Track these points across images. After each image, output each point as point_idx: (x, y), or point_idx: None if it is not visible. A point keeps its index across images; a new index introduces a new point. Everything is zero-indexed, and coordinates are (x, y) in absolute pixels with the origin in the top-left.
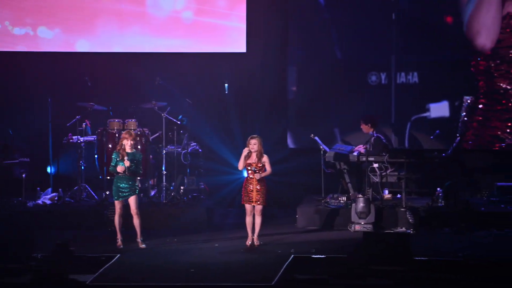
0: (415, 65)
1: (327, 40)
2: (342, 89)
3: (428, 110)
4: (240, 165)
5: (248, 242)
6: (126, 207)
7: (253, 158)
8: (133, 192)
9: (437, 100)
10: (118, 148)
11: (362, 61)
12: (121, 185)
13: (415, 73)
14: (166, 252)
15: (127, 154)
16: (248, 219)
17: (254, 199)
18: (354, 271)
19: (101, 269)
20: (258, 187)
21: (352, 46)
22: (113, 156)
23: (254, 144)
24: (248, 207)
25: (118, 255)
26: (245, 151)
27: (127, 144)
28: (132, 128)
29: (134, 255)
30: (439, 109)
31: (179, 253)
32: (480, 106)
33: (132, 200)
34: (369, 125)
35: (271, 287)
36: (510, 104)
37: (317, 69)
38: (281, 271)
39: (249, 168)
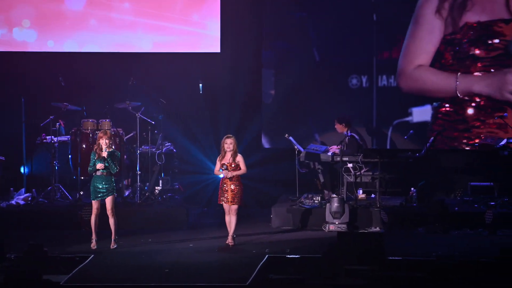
0: (397, 68)
1: (305, 41)
2: (321, 93)
3: (410, 114)
4: (216, 170)
5: (228, 242)
6: (102, 207)
7: (228, 157)
8: (111, 192)
9: (420, 103)
10: (95, 147)
11: (342, 64)
12: (98, 185)
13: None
14: (141, 252)
15: (108, 152)
16: (227, 218)
17: (229, 199)
18: (328, 270)
19: (75, 270)
20: (232, 187)
21: (331, 47)
22: (91, 157)
23: (230, 143)
24: (225, 206)
25: (92, 255)
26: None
27: (103, 143)
28: (106, 127)
29: (109, 255)
30: (422, 113)
31: (154, 253)
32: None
33: (108, 200)
34: (343, 124)
35: (246, 287)
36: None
37: (293, 72)
38: (256, 271)
39: (223, 167)
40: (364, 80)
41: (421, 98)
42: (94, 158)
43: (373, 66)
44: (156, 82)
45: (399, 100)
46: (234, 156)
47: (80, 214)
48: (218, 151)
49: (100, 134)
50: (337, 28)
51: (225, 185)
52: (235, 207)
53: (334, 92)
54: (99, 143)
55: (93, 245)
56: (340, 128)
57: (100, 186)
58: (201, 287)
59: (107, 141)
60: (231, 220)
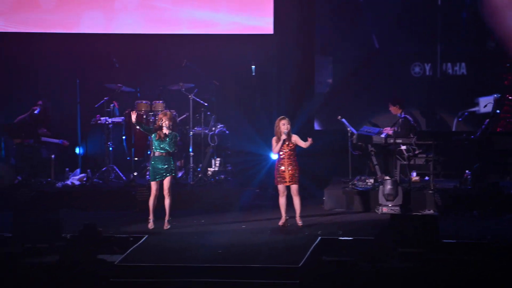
0: (463, 56)
1: (362, 26)
2: (380, 81)
3: (477, 104)
4: (276, 149)
5: (280, 222)
6: (160, 188)
7: (281, 141)
8: (169, 172)
9: (487, 93)
10: (156, 127)
11: (404, 52)
12: (158, 166)
13: (463, 64)
14: (194, 233)
15: (164, 134)
16: (282, 200)
17: (287, 179)
18: (381, 253)
19: (129, 250)
20: (290, 167)
21: (392, 34)
22: (152, 136)
23: (287, 123)
24: (281, 187)
25: (146, 236)
26: (280, 138)
27: (164, 124)
28: (160, 109)
29: (162, 236)
30: (489, 103)
31: (206, 234)
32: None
33: (166, 181)
34: (397, 106)
35: (298, 268)
36: None
37: (349, 58)
38: (308, 253)
39: (284, 133)
40: (427, 68)
41: (488, 87)
42: (154, 138)
43: (437, 54)
44: (209, 64)
45: (464, 89)
46: (289, 137)
47: (134, 194)
48: (270, 132)
49: (160, 115)
50: (397, 13)
51: (282, 166)
52: (295, 186)
53: (393, 80)
54: (160, 124)
55: (151, 225)
56: (394, 110)
57: (160, 167)
58: (254, 269)
59: (167, 122)
60: (295, 201)
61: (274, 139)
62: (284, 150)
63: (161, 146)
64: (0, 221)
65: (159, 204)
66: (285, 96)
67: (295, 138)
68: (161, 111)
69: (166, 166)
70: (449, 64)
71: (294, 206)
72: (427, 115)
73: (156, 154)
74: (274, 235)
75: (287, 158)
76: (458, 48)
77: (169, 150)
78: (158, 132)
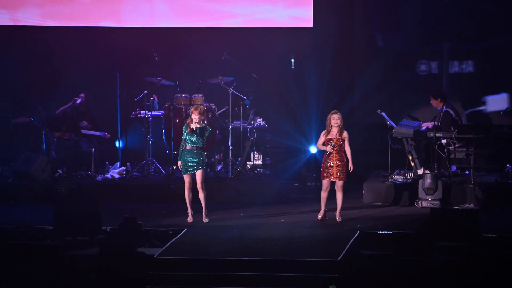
0: (471, 53)
1: (406, 19)
2: (421, 76)
3: (484, 103)
4: (319, 144)
5: (319, 215)
6: (194, 180)
7: (334, 133)
8: (200, 166)
9: (495, 91)
10: (188, 120)
11: (409, 49)
12: (188, 159)
13: (470, 62)
14: (232, 226)
15: (196, 128)
16: (324, 194)
17: (334, 175)
18: (421, 247)
19: (169, 243)
20: (338, 162)
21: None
22: (183, 129)
23: (337, 119)
24: (326, 183)
25: (185, 229)
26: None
27: (193, 118)
28: (199, 103)
29: (201, 229)
30: (497, 102)
31: (245, 228)
32: None
33: (198, 174)
34: (439, 99)
35: (337, 262)
36: None
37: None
38: (347, 246)
39: (331, 144)
40: (433, 66)
41: (496, 85)
42: (185, 131)
43: (443, 52)
44: (248, 58)
45: (472, 87)
46: (340, 132)
47: (173, 188)
48: (309, 126)
49: (192, 109)
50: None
51: (329, 162)
52: (341, 182)
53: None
54: (191, 118)
55: (190, 218)
56: (435, 103)
57: (190, 160)
58: (293, 262)
59: (196, 116)
60: (337, 197)
61: (323, 132)
62: (333, 146)
63: (191, 139)
64: (41, 214)
65: (194, 197)
66: (324, 90)
67: (345, 135)
68: (200, 104)
69: (196, 159)
70: (455, 62)
71: (337, 201)
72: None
73: (187, 147)
74: (313, 228)
75: (336, 153)
76: (465, 45)
77: (198, 144)
78: (190, 124)
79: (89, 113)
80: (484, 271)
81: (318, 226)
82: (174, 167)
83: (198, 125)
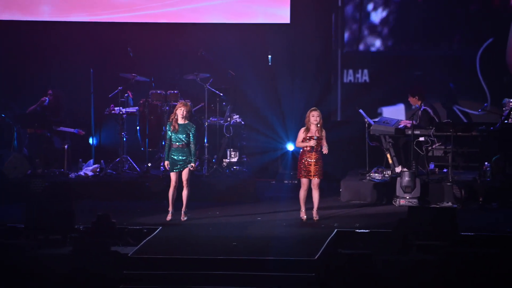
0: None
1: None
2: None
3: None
4: (300, 143)
5: (303, 216)
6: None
7: (313, 131)
8: (188, 164)
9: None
10: (172, 117)
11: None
12: (175, 157)
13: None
14: (208, 225)
15: (179, 125)
16: (303, 193)
17: (313, 173)
18: (398, 246)
19: (143, 241)
20: (316, 160)
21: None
22: (167, 128)
23: (317, 116)
24: (304, 181)
25: (160, 227)
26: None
27: (180, 113)
28: (174, 100)
29: (176, 228)
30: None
31: (221, 226)
32: None
33: (185, 172)
34: (416, 97)
35: (314, 261)
36: None
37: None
38: (324, 245)
39: (308, 139)
40: None
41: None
42: (169, 130)
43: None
44: (225, 54)
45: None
46: (320, 130)
47: (147, 186)
48: (286, 123)
49: (179, 104)
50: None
51: (307, 159)
52: (318, 180)
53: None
54: (176, 113)
55: (169, 216)
56: (413, 101)
57: (177, 158)
58: (269, 261)
59: (184, 112)
60: (314, 195)
61: (302, 130)
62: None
63: (177, 137)
64: (13, 212)
65: (179, 196)
66: (303, 87)
67: (324, 134)
68: (175, 101)
69: (184, 157)
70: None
71: (313, 199)
72: (447, 107)
73: (174, 146)
74: (290, 227)
75: (315, 151)
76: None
77: (184, 141)
78: (173, 122)
79: (60, 110)
80: (462, 270)
81: (295, 224)
82: (149, 164)
83: (182, 122)
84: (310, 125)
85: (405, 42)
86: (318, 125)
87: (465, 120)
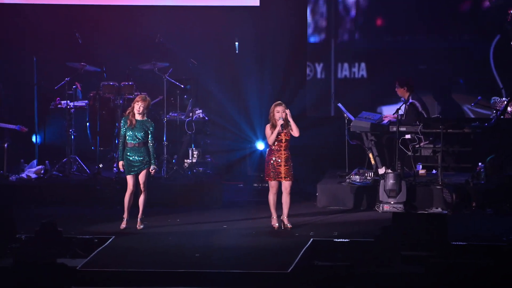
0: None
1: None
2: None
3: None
4: (272, 139)
5: (275, 224)
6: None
7: (278, 128)
8: (146, 165)
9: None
10: (129, 111)
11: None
12: (131, 158)
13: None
14: (168, 233)
15: (136, 121)
16: (272, 198)
17: (283, 175)
18: (382, 257)
19: (94, 253)
20: (286, 160)
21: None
22: (121, 124)
23: (282, 111)
24: (274, 184)
25: (113, 237)
26: (278, 125)
27: (137, 109)
28: (127, 92)
29: (131, 237)
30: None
31: (182, 235)
32: None
33: (142, 175)
34: (405, 88)
35: (287, 274)
36: None
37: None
38: (299, 256)
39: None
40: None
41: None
42: (125, 126)
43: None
44: (186, 40)
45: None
46: (287, 125)
47: (99, 189)
48: (256, 119)
49: (137, 98)
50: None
51: (276, 159)
52: (289, 183)
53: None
54: (133, 107)
55: (124, 224)
56: (401, 92)
57: (132, 159)
58: (236, 275)
59: (142, 107)
60: (284, 200)
61: (268, 126)
62: (281, 141)
63: (134, 134)
64: None
65: (135, 201)
66: (274, 79)
67: (289, 116)
68: (130, 94)
69: (141, 158)
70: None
71: (283, 204)
72: (441, 100)
73: (129, 145)
74: (259, 236)
75: (284, 150)
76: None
77: (141, 139)
78: (130, 117)
79: None
80: (452, 284)
81: (265, 233)
82: (101, 165)
83: (140, 118)
84: (275, 121)
85: (407, 33)
86: (285, 120)
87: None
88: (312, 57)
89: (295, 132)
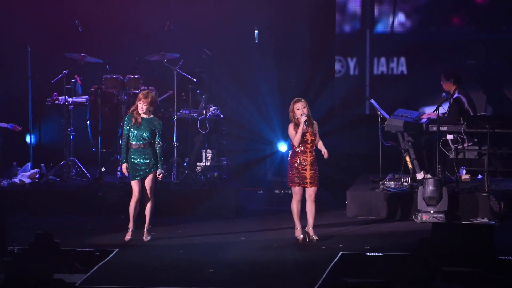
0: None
1: None
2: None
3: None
4: (297, 139)
5: (299, 235)
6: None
7: (302, 125)
8: (152, 168)
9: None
10: (133, 108)
11: None
12: (136, 161)
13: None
14: (178, 246)
15: (142, 119)
16: (296, 206)
17: (308, 180)
18: (420, 273)
19: (95, 268)
20: (312, 164)
21: None
22: (125, 122)
23: (302, 107)
24: (298, 190)
25: (117, 249)
26: (301, 122)
27: (140, 108)
28: (134, 86)
29: (137, 250)
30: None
31: (194, 248)
32: None
33: (148, 180)
34: (451, 81)
35: None
36: None
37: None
38: (326, 272)
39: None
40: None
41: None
42: (129, 124)
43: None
44: (199, 28)
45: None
46: (310, 123)
47: (101, 196)
48: (277, 117)
49: (139, 95)
50: None
51: (301, 163)
52: (315, 190)
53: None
54: (137, 105)
55: (129, 235)
56: (447, 86)
57: (138, 162)
58: None
59: (144, 106)
60: (309, 208)
61: (291, 126)
62: (306, 142)
63: (139, 134)
64: None
65: (141, 209)
66: (297, 71)
67: (316, 127)
68: (136, 88)
69: (147, 160)
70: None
71: (308, 214)
72: (492, 98)
73: (133, 146)
74: (282, 249)
75: (310, 152)
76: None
77: (147, 140)
78: (135, 114)
79: None
80: None
81: (289, 246)
82: (103, 169)
83: (146, 116)
84: (297, 120)
85: (454, 23)
86: (307, 117)
87: None
88: (343, 51)
89: (325, 154)
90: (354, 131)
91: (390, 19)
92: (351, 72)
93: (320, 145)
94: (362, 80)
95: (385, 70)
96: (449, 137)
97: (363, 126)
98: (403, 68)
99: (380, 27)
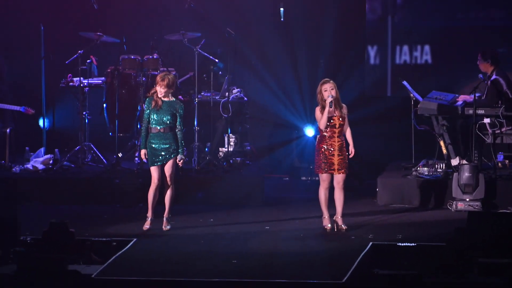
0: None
1: None
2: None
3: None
4: (323, 121)
5: (327, 225)
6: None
7: (330, 109)
8: (172, 154)
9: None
10: (153, 91)
11: None
12: (156, 146)
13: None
14: (199, 236)
15: (163, 102)
16: (324, 194)
17: (336, 167)
18: (455, 264)
19: (112, 259)
20: (340, 149)
21: None
22: (144, 105)
23: (331, 89)
24: (326, 177)
25: (135, 239)
26: (327, 103)
27: (159, 91)
28: (153, 67)
29: (156, 239)
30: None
31: (216, 238)
32: None
33: (168, 165)
34: (489, 62)
35: (342, 285)
36: None
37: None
38: (356, 263)
39: (330, 104)
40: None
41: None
42: (149, 108)
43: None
44: (221, 6)
45: None
46: (339, 106)
47: (118, 183)
48: (304, 100)
49: (157, 77)
50: None
51: (328, 148)
52: (343, 176)
53: None
54: (156, 88)
55: (147, 224)
56: (484, 67)
57: (158, 147)
58: (280, 285)
59: (162, 90)
60: (338, 196)
61: (317, 109)
62: (334, 126)
63: (159, 118)
64: None
65: (161, 197)
66: (325, 51)
67: (345, 111)
68: (155, 69)
69: (167, 145)
70: None
71: (336, 202)
72: None
73: (153, 130)
74: (308, 239)
75: (338, 136)
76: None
77: (168, 124)
78: (155, 97)
79: (0, 81)
80: None
81: (315, 236)
82: (120, 154)
83: (167, 99)
84: (324, 102)
85: (483, 8)
86: (336, 100)
87: None
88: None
89: (352, 151)
90: (385, 115)
91: (414, 5)
92: (372, 61)
93: (348, 135)
94: (384, 70)
95: (408, 59)
96: (486, 120)
97: (393, 111)
98: (427, 57)
99: (403, 14)
